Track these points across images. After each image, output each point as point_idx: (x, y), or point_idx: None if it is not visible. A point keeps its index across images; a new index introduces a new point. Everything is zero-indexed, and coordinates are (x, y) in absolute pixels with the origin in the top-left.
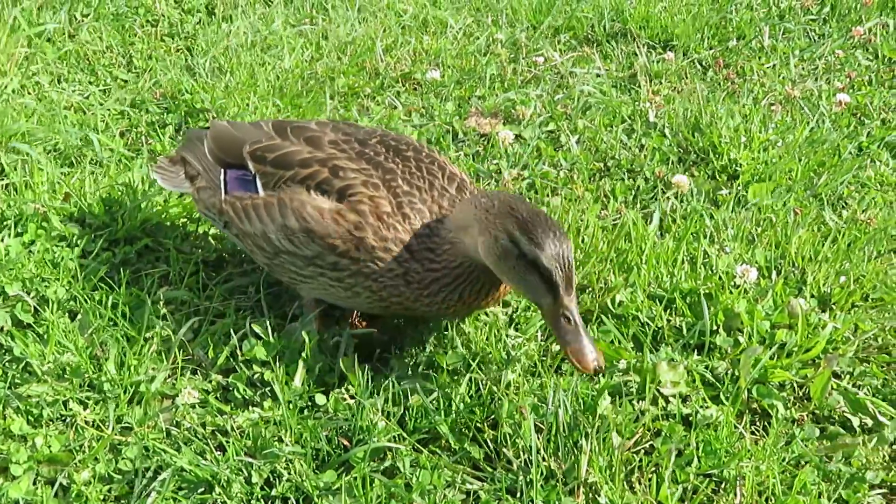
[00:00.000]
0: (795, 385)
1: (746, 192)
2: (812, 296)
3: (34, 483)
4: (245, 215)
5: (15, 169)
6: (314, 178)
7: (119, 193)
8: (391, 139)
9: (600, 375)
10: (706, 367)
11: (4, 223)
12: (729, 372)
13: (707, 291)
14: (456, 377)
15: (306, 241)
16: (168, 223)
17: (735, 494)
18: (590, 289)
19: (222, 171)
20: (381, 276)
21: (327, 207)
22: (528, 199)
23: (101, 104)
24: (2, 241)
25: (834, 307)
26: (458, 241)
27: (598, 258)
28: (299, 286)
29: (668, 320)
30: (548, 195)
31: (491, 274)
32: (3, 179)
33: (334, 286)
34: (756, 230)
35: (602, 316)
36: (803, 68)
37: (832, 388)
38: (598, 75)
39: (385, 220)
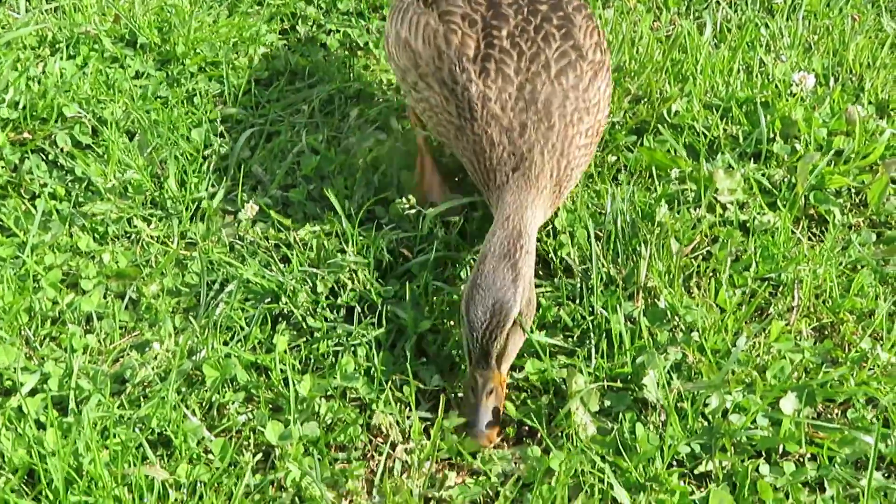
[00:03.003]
0: (852, 191)
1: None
2: (870, 102)
3: (104, 297)
4: (393, 13)
5: None
6: None
7: (168, 14)
8: None
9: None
10: (763, 175)
11: (56, 46)
12: (786, 179)
13: (764, 100)
14: None
15: (402, 52)
16: (219, 42)
17: (793, 297)
18: (645, 99)
19: None
20: (441, 114)
21: (423, 23)
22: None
23: None
24: (56, 63)
25: (892, 113)
26: (499, 185)
27: (653, 69)
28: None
29: (725, 129)
30: (599, 7)
31: None
32: (51, 3)
33: (417, 107)
34: (812, 38)
35: (658, 125)
36: None
37: (889, 194)
38: None
39: (463, 62)
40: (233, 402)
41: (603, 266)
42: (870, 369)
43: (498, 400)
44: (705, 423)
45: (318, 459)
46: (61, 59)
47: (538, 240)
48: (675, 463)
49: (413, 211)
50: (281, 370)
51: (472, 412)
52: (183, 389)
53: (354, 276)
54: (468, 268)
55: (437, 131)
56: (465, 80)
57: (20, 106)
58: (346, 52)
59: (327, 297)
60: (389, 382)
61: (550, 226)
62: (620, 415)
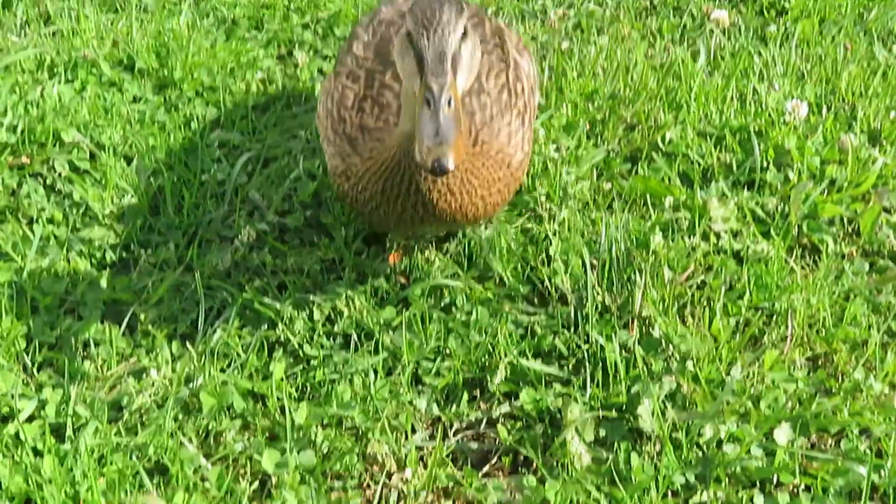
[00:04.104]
0: (845, 220)
1: (795, 28)
2: (862, 131)
3: (102, 323)
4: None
5: (61, 16)
6: (339, 53)
7: (166, 39)
8: None
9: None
10: (757, 203)
11: (55, 70)
12: (779, 207)
13: (757, 128)
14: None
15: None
16: (216, 67)
17: (786, 326)
18: (639, 126)
19: None
20: (334, 173)
21: (324, 89)
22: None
23: None
24: (54, 87)
25: (884, 142)
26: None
27: (647, 96)
28: None
29: (718, 157)
30: (594, 34)
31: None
32: (50, 26)
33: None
34: (805, 66)
35: (652, 153)
36: None
37: (882, 223)
38: None
39: (340, 112)
40: (229, 430)
41: (598, 294)
42: (863, 399)
43: (458, 113)
44: (700, 453)
45: (315, 488)
46: (59, 83)
47: (532, 267)
48: (670, 493)
49: (406, 241)
50: (277, 398)
51: (432, 120)
52: (180, 417)
53: (351, 303)
54: (465, 296)
55: (339, 193)
56: (342, 128)
57: (18, 130)
58: None
59: (324, 325)
60: (385, 411)
61: (544, 254)
62: (615, 444)
